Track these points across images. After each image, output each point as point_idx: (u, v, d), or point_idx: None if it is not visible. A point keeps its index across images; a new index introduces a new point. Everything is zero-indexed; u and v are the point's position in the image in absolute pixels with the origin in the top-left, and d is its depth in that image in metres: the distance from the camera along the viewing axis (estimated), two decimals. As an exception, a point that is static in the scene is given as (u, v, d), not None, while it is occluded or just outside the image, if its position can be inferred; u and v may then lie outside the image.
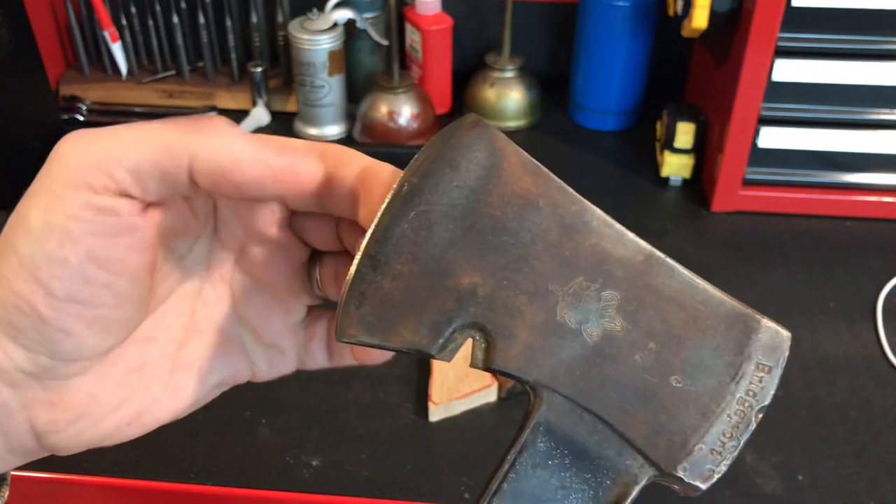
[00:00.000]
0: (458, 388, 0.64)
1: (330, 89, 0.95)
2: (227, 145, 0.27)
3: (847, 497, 0.59)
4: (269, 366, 0.33)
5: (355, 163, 0.28)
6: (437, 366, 0.66)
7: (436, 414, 0.63)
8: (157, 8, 1.01)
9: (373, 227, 0.26)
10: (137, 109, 1.02)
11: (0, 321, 0.26)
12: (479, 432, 0.63)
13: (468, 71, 1.04)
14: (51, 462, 0.59)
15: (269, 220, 0.30)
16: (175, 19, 1.00)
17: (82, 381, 0.29)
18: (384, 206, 0.26)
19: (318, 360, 0.34)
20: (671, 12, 0.87)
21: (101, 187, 0.26)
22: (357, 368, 0.68)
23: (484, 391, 0.64)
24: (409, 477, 0.59)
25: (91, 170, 0.26)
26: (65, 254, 0.26)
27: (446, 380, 0.65)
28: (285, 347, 0.33)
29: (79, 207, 0.26)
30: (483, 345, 0.27)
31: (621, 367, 0.27)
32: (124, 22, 1.01)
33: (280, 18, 0.99)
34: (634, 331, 0.27)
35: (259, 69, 0.99)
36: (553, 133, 1.01)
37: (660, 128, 0.93)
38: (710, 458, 0.27)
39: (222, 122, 0.27)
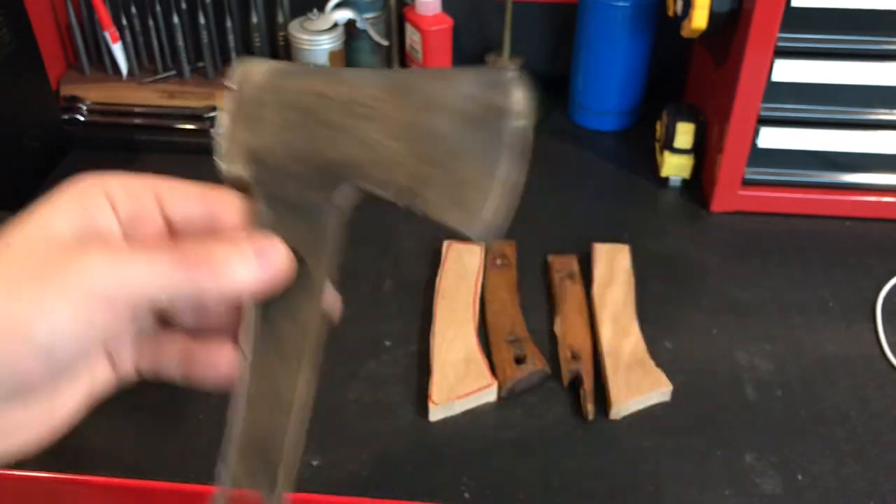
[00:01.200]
0: (458, 387, 0.64)
1: (330, 89, 0.95)
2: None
3: (847, 497, 0.59)
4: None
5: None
6: (438, 366, 0.66)
7: (436, 414, 0.63)
8: (158, 8, 1.01)
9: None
10: (138, 109, 1.02)
11: None
12: (479, 432, 0.63)
13: (468, 71, 1.04)
14: (51, 462, 0.60)
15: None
16: (175, 20, 1.00)
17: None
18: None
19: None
20: (671, 13, 0.87)
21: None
22: (357, 368, 0.68)
23: (484, 391, 0.64)
24: (409, 477, 0.59)
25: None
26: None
27: (446, 379, 0.65)
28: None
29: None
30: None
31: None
32: (125, 22, 1.01)
33: (280, 19, 1.00)
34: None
35: (259, 69, 0.99)
36: (553, 133, 1.02)
37: (659, 128, 0.93)
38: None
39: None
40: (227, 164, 0.36)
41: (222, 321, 0.37)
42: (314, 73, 0.38)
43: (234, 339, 0.36)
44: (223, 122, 0.37)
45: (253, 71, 0.37)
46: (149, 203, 0.35)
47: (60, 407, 0.34)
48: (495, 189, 0.33)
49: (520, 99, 0.34)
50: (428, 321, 0.71)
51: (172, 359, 0.37)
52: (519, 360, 0.67)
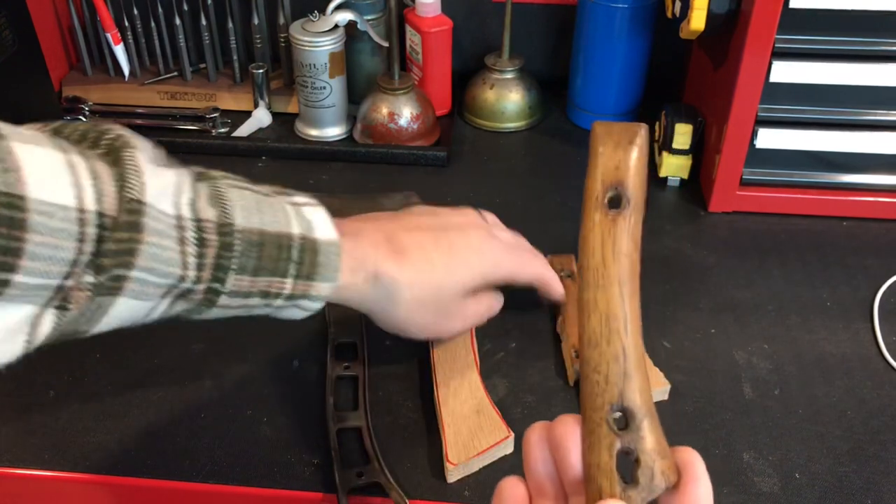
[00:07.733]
0: (473, 445, 0.61)
1: (331, 91, 0.95)
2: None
3: (844, 495, 0.59)
4: None
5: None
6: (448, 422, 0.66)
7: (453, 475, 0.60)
8: (160, 10, 1.02)
9: None
10: (140, 110, 1.02)
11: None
12: (479, 431, 0.63)
13: (468, 72, 1.04)
14: (53, 460, 0.60)
15: None
16: (177, 21, 1.01)
17: None
18: None
19: None
20: (669, 14, 0.87)
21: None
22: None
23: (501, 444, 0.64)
24: (410, 475, 0.60)
25: None
26: None
27: (460, 436, 0.65)
28: None
29: None
30: None
31: None
32: (126, 24, 1.02)
33: (281, 20, 1.00)
34: None
35: (260, 71, 0.99)
36: (552, 134, 1.02)
37: (658, 129, 0.94)
38: None
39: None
40: None
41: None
42: None
43: None
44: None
45: None
46: None
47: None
48: None
49: None
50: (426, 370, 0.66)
51: None
52: None
